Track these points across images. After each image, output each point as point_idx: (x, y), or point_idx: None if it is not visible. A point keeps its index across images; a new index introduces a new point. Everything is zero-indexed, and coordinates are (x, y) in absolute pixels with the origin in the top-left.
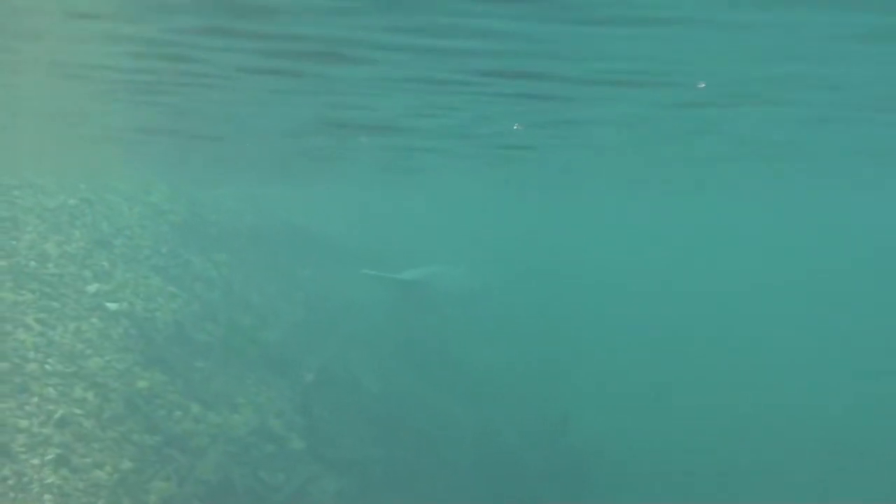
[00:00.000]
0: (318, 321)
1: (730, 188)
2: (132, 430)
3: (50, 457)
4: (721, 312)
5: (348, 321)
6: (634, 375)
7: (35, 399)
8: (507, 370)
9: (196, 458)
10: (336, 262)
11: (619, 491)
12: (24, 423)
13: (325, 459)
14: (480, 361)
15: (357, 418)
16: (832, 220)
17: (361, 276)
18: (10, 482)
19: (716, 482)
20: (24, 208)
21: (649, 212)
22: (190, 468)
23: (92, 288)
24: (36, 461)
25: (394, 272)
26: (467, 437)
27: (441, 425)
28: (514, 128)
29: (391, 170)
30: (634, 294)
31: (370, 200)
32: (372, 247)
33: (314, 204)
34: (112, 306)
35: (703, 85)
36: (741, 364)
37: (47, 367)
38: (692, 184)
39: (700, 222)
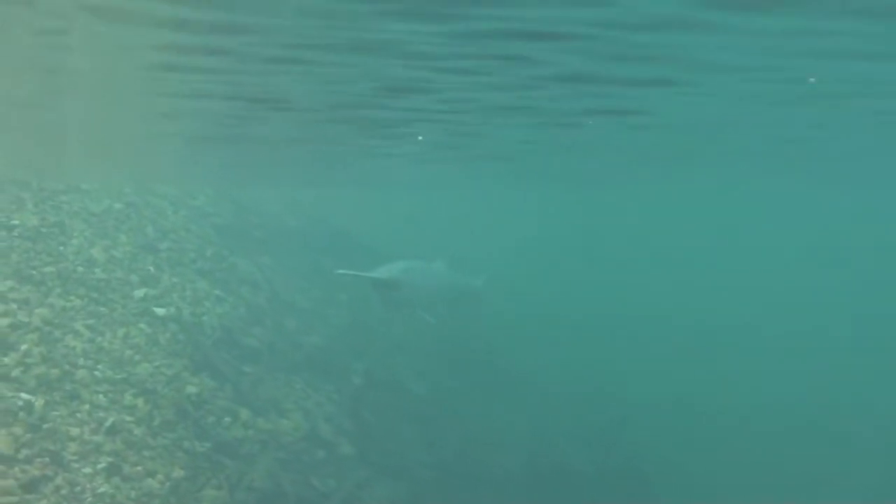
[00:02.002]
0: (362, 324)
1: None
2: (182, 437)
3: (102, 465)
4: (778, 312)
5: (392, 324)
6: (687, 377)
7: (86, 406)
8: (556, 373)
9: (247, 465)
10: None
11: (674, 498)
12: (75, 431)
13: (374, 464)
14: (528, 364)
15: (404, 422)
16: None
17: (338, 276)
18: (63, 492)
19: (770, 486)
20: (71, 213)
21: (704, 210)
22: (241, 475)
23: (139, 293)
24: (88, 470)
25: (367, 270)
26: (517, 441)
27: (490, 430)
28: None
29: (438, 174)
30: (688, 293)
31: (415, 203)
32: (414, 249)
33: (357, 207)
34: (160, 311)
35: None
36: (799, 364)
37: (97, 373)
38: (751, 187)
39: (755, 221)
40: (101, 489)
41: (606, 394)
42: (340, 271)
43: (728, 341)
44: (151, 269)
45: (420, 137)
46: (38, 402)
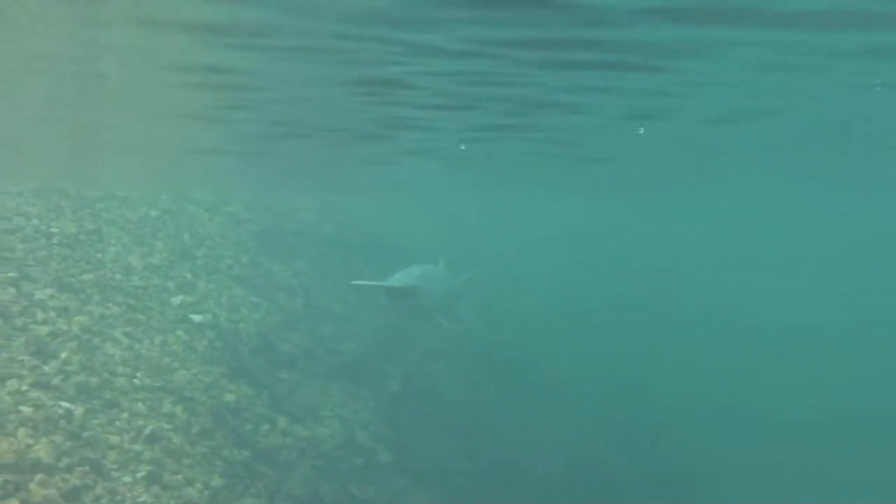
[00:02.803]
0: (397, 330)
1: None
2: (221, 444)
3: (141, 474)
4: (816, 319)
5: (426, 330)
6: (727, 380)
7: (125, 414)
8: (593, 376)
9: (285, 473)
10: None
11: None
12: (115, 440)
13: (412, 472)
14: (564, 368)
15: (441, 429)
16: None
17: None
18: (103, 501)
19: (812, 493)
20: (109, 220)
21: (743, 216)
22: (279, 484)
23: (176, 300)
24: (128, 479)
25: (380, 279)
26: (555, 447)
27: (527, 435)
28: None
29: (479, 179)
30: (726, 294)
31: (451, 208)
32: (449, 255)
33: (392, 212)
34: (197, 318)
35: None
36: (841, 370)
37: (136, 381)
38: (800, 191)
39: (801, 228)
40: (141, 498)
41: (645, 398)
42: (356, 282)
43: (768, 342)
44: (188, 275)
45: (462, 146)
46: (79, 411)
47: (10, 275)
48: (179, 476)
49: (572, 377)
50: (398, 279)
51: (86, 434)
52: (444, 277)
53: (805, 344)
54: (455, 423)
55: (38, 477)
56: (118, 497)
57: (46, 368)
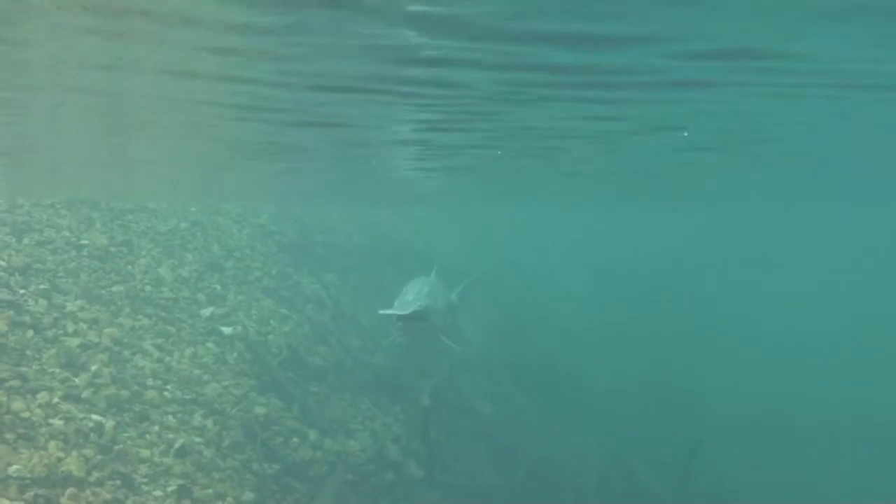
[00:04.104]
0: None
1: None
2: (251, 458)
3: (172, 488)
4: (860, 325)
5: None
6: (767, 392)
7: (155, 427)
8: (628, 390)
9: (316, 488)
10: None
11: None
12: (145, 453)
13: (444, 486)
14: (597, 381)
15: (472, 442)
16: None
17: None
18: None
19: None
20: (139, 232)
21: (780, 222)
22: (310, 498)
23: (206, 312)
24: (158, 493)
25: (390, 307)
26: (589, 462)
27: (560, 450)
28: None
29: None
30: (763, 308)
31: (479, 218)
32: (480, 267)
33: (422, 223)
34: (226, 330)
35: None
36: (884, 383)
37: (166, 393)
38: (824, 193)
39: (835, 234)
40: None
41: (682, 412)
42: (383, 312)
43: (807, 350)
44: (218, 287)
45: (499, 152)
46: (109, 424)
47: (41, 286)
48: (210, 490)
49: (607, 388)
50: (411, 303)
51: (116, 447)
52: (444, 292)
53: (847, 352)
54: (487, 436)
55: (69, 491)
56: None
57: (77, 381)
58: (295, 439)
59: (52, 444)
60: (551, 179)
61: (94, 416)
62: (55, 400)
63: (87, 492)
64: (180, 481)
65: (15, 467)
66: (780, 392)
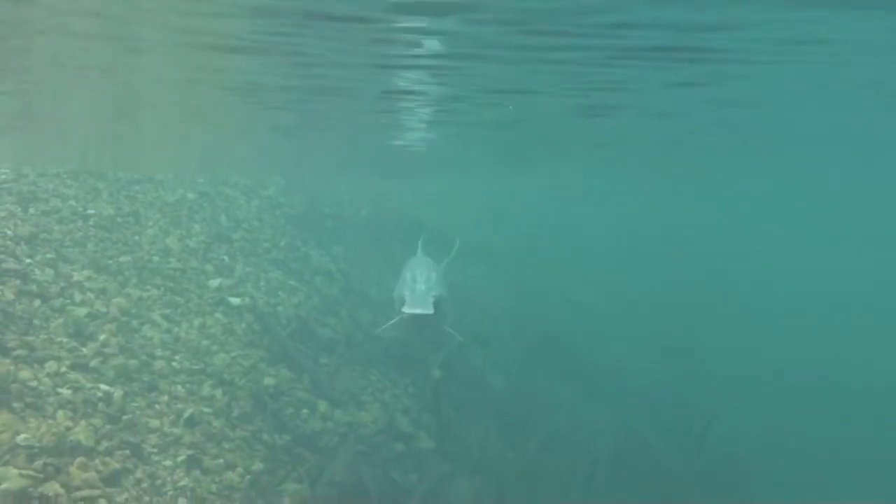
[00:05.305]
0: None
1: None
2: (261, 429)
3: (181, 458)
4: (873, 295)
5: (467, 316)
6: (780, 370)
7: (164, 397)
8: (641, 365)
9: (326, 459)
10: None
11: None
12: (154, 423)
13: (455, 458)
14: (610, 356)
15: (484, 415)
16: None
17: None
18: (144, 485)
19: (866, 483)
20: (145, 203)
21: (789, 196)
22: (321, 469)
23: (214, 283)
24: (168, 462)
25: (399, 301)
26: (602, 436)
27: (573, 424)
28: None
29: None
30: (776, 282)
31: (488, 193)
32: (491, 241)
33: (430, 195)
34: (235, 301)
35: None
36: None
37: (174, 363)
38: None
39: (846, 206)
40: (182, 482)
41: (696, 385)
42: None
43: (821, 322)
44: (226, 258)
45: (510, 107)
46: (117, 393)
47: (48, 256)
48: (220, 460)
49: (620, 362)
50: (424, 294)
51: (125, 417)
52: (441, 271)
53: (860, 322)
54: (499, 409)
55: (79, 460)
56: (158, 481)
57: (85, 350)
58: (305, 410)
59: (60, 413)
60: (574, 149)
61: (103, 386)
62: (63, 369)
63: (97, 461)
64: (190, 451)
65: (23, 436)
66: (796, 363)
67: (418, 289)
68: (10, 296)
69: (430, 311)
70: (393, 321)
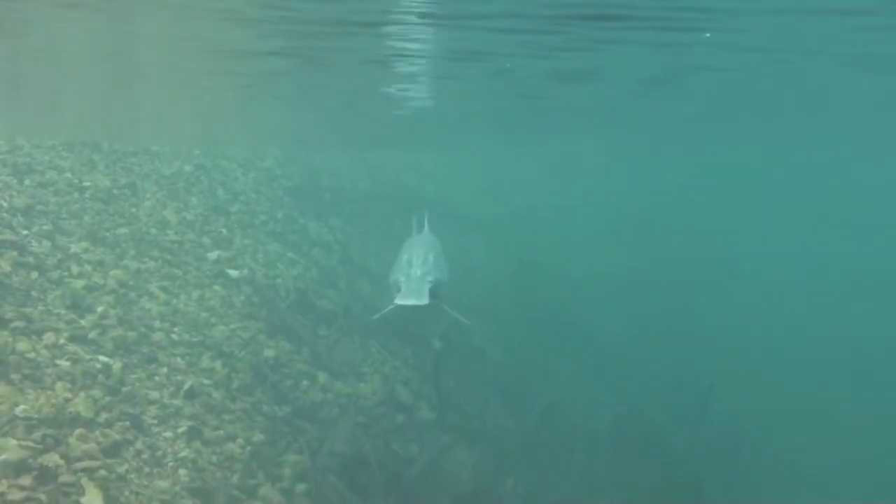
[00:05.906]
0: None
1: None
2: (261, 400)
3: (182, 429)
4: (873, 270)
5: (467, 288)
6: (779, 340)
7: (164, 369)
8: (641, 335)
9: (327, 430)
10: (453, 228)
11: (767, 475)
12: (154, 395)
13: (455, 429)
14: (608, 327)
15: (483, 387)
16: None
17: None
18: (145, 456)
19: (868, 456)
20: (142, 175)
21: (794, 170)
22: (321, 440)
23: (212, 255)
24: (168, 434)
25: (395, 284)
26: (601, 407)
27: (572, 395)
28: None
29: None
30: (776, 253)
31: (489, 165)
32: (491, 213)
33: (429, 167)
34: (233, 273)
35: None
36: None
37: (173, 336)
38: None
39: (852, 180)
40: (183, 453)
41: (695, 357)
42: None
43: (820, 294)
44: (223, 231)
45: (508, 64)
46: (116, 365)
47: (45, 227)
48: (220, 431)
49: (619, 334)
50: (420, 280)
51: (124, 389)
52: (440, 248)
53: (858, 294)
54: (498, 381)
55: (78, 431)
56: (159, 452)
57: (83, 322)
58: (305, 382)
59: (59, 384)
60: (568, 119)
61: (102, 358)
62: (61, 341)
63: (97, 432)
64: (190, 422)
65: (22, 407)
66: (795, 333)
67: (413, 274)
68: (6, 267)
69: (425, 300)
70: (388, 309)
